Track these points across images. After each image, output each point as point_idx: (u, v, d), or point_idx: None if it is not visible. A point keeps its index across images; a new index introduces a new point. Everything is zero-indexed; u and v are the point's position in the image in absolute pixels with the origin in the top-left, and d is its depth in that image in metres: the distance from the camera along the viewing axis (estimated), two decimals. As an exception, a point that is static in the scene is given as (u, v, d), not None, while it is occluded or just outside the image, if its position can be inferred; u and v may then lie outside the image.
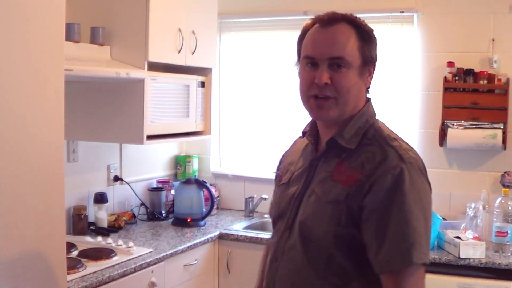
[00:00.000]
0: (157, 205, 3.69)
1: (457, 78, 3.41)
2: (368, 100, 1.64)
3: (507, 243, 3.00)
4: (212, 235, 3.34)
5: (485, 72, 3.35)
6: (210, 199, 3.62)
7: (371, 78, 1.62)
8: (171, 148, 4.07)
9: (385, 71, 3.59)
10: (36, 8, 1.95)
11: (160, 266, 2.88)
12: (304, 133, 1.73)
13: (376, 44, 1.61)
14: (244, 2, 3.94)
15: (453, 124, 3.40)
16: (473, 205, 3.23)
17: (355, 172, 1.50)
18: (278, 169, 1.82)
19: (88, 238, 3.02)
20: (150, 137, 3.10)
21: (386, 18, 3.60)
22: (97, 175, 3.41)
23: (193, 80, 3.46)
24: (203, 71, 3.56)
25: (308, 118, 1.70)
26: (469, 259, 2.91)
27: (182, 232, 3.37)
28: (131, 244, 2.91)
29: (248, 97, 4.04)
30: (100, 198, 3.29)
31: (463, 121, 3.39)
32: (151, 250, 2.92)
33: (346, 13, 1.59)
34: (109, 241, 2.97)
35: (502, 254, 2.98)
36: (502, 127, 3.32)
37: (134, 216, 3.56)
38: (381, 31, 3.58)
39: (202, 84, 3.54)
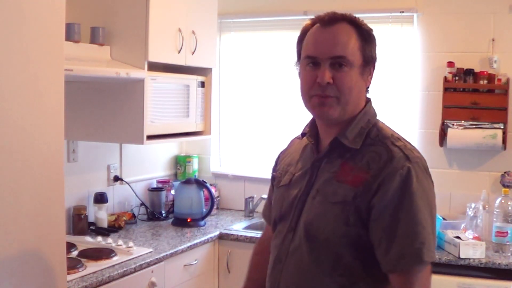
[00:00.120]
0: (157, 205, 3.69)
1: (457, 78, 3.41)
2: (369, 100, 1.65)
3: (507, 243, 3.00)
4: (212, 235, 3.34)
5: (485, 72, 3.35)
6: (210, 199, 3.62)
7: (371, 78, 1.62)
8: (171, 148, 4.07)
9: (385, 71, 3.59)
10: (36, 8, 1.95)
11: (160, 266, 2.88)
12: (303, 134, 1.72)
13: (375, 44, 1.62)
14: (244, 2, 3.94)
15: (453, 124, 3.40)
16: (473, 205, 3.23)
17: (361, 172, 1.50)
18: (274, 170, 1.81)
19: (88, 238, 3.02)
20: (150, 137, 3.10)
21: (386, 18, 3.60)
22: (97, 175, 3.41)
23: (193, 80, 3.46)
24: (203, 71, 3.56)
25: (308, 119, 1.70)
26: (469, 259, 2.91)
27: (182, 232, 3.37)
28: (131, 244, 2.91)
29: (248, 97, 4.04)
30: (100, 198, 3.29)
31: (463, 121, 3.39)
32: (151, 250, 2.92)
33: (346, 13, 1.59)
34: (109, 241, 2.98)
35: (502, 254, 2.98)
36: (502, 127, 3.32)
37: (134, 216, 3.56)
38: (381, 31, 3.59)
39: (202, 84, 3.54)
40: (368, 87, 1.64)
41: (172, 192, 3.80)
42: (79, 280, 2.43)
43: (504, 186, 3.29)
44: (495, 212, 3.11)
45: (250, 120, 4.05)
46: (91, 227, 3.24)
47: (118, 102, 3.06)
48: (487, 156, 3.42)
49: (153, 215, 3.64)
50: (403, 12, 3.54)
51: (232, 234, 3.39)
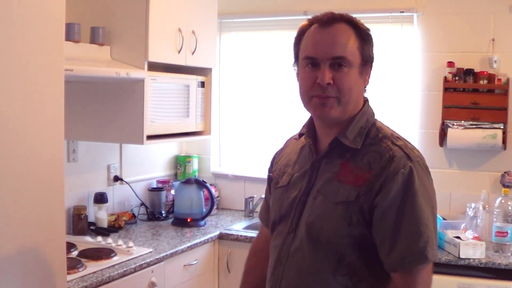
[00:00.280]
0: (157, 205, 3.69)
1: (457, 78, 3.41)
2: (367, 99, 1.65)
3: (507, 243, 3.00)
4: (212, 235, 3.34)
5: (485, 72, 3.35)
6: (210, 199, 3.62)
7: (369, 77, 1.62)
8: (171, 148, 4.07)
9: (385, 71, 3.60)
10: (36, 8, 1.95)
11: (160, 266, 2.88)
12: (301, 134, 1.72)
13: (373, 44, 1.62)
14: (244, 2, 3.94)
15: (453, 124, 3.40)
16: (473, 205, 3.23)
17: (363, 172, 1.51)
18: (271, 171, 1.81)
19: (88, 238, 3.02)
20: (150, 137, 3.10)
21: (386, 18, 3.60)
22: (97, 175, 3.41)
23: (193, 80, 3.46)
24: (203, 71, 3.56)
25: (306, 119, 1.70)
26: (469, 259, 2.90)
27: (182, 232, 3.37)
28: (131, 244, 2.91)
29: (248, 97, 4.04)
30: (100, 198, 3.29)
31: (463, 121, 3.39)
32: (151, 250, 2.92)
33: (343, 13, 1.59)
34: (109, 241, 2.98)
35: (502, 254, 2.98)
36: (502, 127, 3.32)
37: (134, 216, 3.56)
38: (381, 31, 3.61)
39: (202, 84, 3.54)
40: (366, 87, 1.63)
41: (172, 192, 3.80)
42: (79, 280, 2.43)
43: (504, 186, 3.29)
44: (495, 212, 3.11)
45: (250, 120, 4.05)
46: (91, 227, 3.24)
47: (118, 102, 3.05)
48: (487, 156, 3.42)
49: (153, 215, 3.64)
50: (403, 12, 3.55)
51: (232, 234, 3.39)
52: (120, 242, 2.95)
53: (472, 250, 2.91)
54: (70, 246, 2.77)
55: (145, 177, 3.78)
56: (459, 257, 2.91)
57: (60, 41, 2.06)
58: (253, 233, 3.38)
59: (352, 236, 1.50)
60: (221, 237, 3.40)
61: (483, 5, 3.40)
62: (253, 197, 3.85)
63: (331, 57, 1.52)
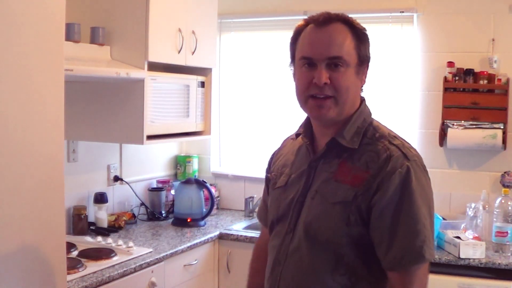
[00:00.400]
0: (157, 205, 3.69)
1: (457, 78, 3.41)
2: (363, 99, 1.64)
3: (507, 243, 3.00)
4: (212, 235, 3.34)
5: (485, 72, 3.35)
6: (210, 199, 3.62)
7: (366, 77, 1.61)
8: (171, 148, 4.07)
9: (385, 71, 3.60)
10: (36, 8, 1.95)
11: (160, 266, 2.88)
12: (298, 134, 1.72)
13: (369, 43, 1.60)
14: (244, 2, 3.94)
15: (453, 124, 3.40)
16: (473, 205, 3.23)
17: (360, 172, 1.51)
18: (268, 171, 1.81)
19: (88, 238, 3.02)
20: (150, 137, 3.10)
21: (386, 18, 3.60)
22: (97, 175, 3.41)
23: (193, 80, 3.46)
24: (203, 71, 3.56)
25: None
26: (469, 259, 2.91)
27: (182, 232, 3.37)
28: (131, 244, 2.91)
29: (248, 97, 4.04)
30: (100, 198, 3.29)
31: (463, 121, 3.39)
32: (151, 250, 2.92)
33: (339, 13, 1.58)
34: (109, 241, 2.98)
35: (502, 254, 2.98)
36: (502, 127, 3.32)
37: (134, 216, 3.56)
38: (381, 31, 3.60)
39: (202, 84, 3.54)
40: (363, 87, 1.63)
41: (172, 192, 3.80)
42: (79, 280, 2.43)
43: (504, 186, 3.29)
44: (495, 212, 3.11)
45: (250, 120, 4.05)
46: (91, 227, 3.24)
47: (118, 102, 3.05)
48: (487, 156, 3.42)
49: (153, 215, 3.64)
50: (403, 12, 3.55)
51: (232, 234, 3.39)
52: (120, 242, 2.95)
53: (472, 250, 2.91)
54: (70, 246, 2.77)
55: (145, 177, 3.78)
56: (459, 257, 2.91)
57: (60, 41, 2.06)
58: (253, 233, 3.38)
59: (350, 235, 1.50)
60: (221, 237, 3.40)
61: (483, 5, 3.40)
62: (253, 197, 3.85)
63: (328, 57, 1.52)
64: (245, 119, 4.07)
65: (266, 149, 4.04)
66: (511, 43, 3.36)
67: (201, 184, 3.64)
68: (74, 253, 2.75)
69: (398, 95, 3.62)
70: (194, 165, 4.06)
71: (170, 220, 3.61)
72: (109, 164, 3.49)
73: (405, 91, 3.60)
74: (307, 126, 1.67)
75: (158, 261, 2.86)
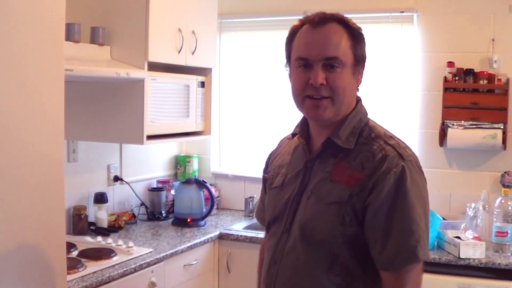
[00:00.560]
0: (157, 205, 3.69)
1: (457, 78, 3.41)
2: (359, 99, 1.64)
3: (507, 243, 3.00)
4: (212, 235, 3.34)
5: (485, 72, 3.35)
6: (210, 199, 3.62)
7: (362, 77, 1.61)
8: (171, 148, 4.07)
9: (385, 71, 3.60)
10: (36, 8, 1.95)
11: (160, 266, 2.88)
12: (294, 134, 1.72)
13: (365, 43, 1.60)
14: (244, 2, 3.94)
15: (453, 124, 3.40)
16: (473, 205, 3.23)
17: (356, 172, 1.51)
18: (265, 171, 1.81)
19: (88, 238, 3.02)
20: (150, 137, 3.10)
21: (386, 18, 3.60)
22: (97, 175, 3.41)
23: (193, 80, 3.46)
24: (203, 71, 3.56)
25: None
26: (469, 259, 2.90)
27: (182, 232, 3.37)
28: (131, 244, 2.91)
29: (248, 97, 4.04)
30: (100, 198, 3.29)
31: (463, 121, 3.39)
32: (151, 250, 2.92)
33: (335, 13, 1.58)
34: (109, 241, 2.98)
35: (502, 254, 2.98)
36: (502, 127, 3.32)
37: (134, 216, 3.56)
38: (381, 31, 3.60)
39: (202, 84, 3.54)
40: (359, 87, 1.62)
41: (172, 192, 3.80)
42: (79, 280, 2.43)
43: (504, 186, 3.29)
44: (495, 212, 3.11)
45: (250, 120, 4.05)
46: (91, 227, 3.24)
47: (118, 102, 3.05)
48: (487, 156, 3.42)
49: (153, 215, 3.64)
50: (403, 12, 3.54)
51: (232, 234, 3.39)
52: (120, 242, 2.95)
53: (472, 250, 2.91)
54: (70, 246, 2.77)
55: (145, 177, 3.78)
56: (459, 257, 2.91)
57: (60, 41, 2.06)
58: (253, 233, 3.38)
59: (345, 235, 1.50)
60: (221, 237, 3.40)
61: (483, 5, 3.40)
62: (253, 197, 3.85)
63: (324, 58, 1.52)
64: (245, 119, 4.07)
65: (266, 149, 4.02)
66: (511, 43, 3.36)
67: (201, 184, 3.64)
68: (74, 253, 2.75)
69: (398, 95, 3.62)
70: (194, 165, 4.06)
71: (170, 220, 3.61)
72: (109, 164, 3.49)
73: (405, 91, 3.60)
74: (303, 126, 1.68)
75: (158, 261, 2.86)
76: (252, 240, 3.31)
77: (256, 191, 3.86)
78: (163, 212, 3.70)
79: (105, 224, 3.28)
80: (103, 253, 2.73)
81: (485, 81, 3.36)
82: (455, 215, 3.38)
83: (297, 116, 1.69)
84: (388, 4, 3.59)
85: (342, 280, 1.51)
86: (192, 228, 3.45)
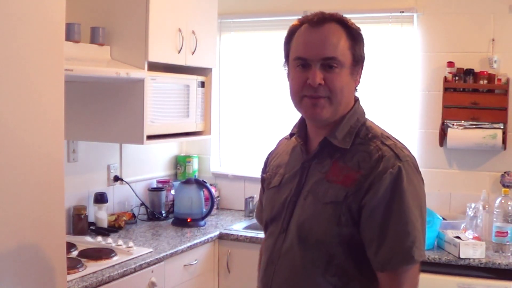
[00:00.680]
0: (157, 205, 3.69)
1: (457, 78, 3.41)
2: (357, 99, 1.64)
3: (507, 243, 3.00)
4: (212, 235, 3.34)
5: (485, 72, 3.35)
6: (210, 199, 3.62)
7: (360, 77, 1.61)
8: (171, 148, 4.07)
9: (385, 71, 3.60)
10: (36, 8, 1.95)
11: (160, 266, 2.88)
12: (292, 134, 1.72)
13: (364, 43, 1.59)
14: (244, 2, 3.94)
15: (453, 124, 3.40)
16: (473, 205, 3.23)
17: (352, 172, 1.51)
18: (264, 171, 1.81)
19: (88, 238, 3.02)
20: (150, 137, 3.10)
21: (386, 18, 3.59)
22: (97, 175, 3.41)
23: (193, 80, 3.46)
24: (203, 71, 3.56)
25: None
26: (469, 259, 2.90)
27: (182, 232, 3.37)
28: (131, 244, 2.91)
29: (248, 97, 4.04)
30: (100, 198, 3.29)
31: (463, 121, 3.39)
32: (151, 250, 2.92)
33: (334, 13, 1.57)
34: (109, 241, 2.98)
35: (502, 254, 2.98)
36: (502, 127, 3.32)
37: (134, 216, 3.56)
38: (381, 31, 3.60)
39: (202, 84, 3.54)
40: (357, 87, 1.62)
41: (172, 192, 3.80)
42: (79, 280, 2.43)
43: (504, 186, 3.29)
44: (495, 212, 3.11)
45: (250, 120, 4.05)
46: (91, 227, 3.24)
47: (118, 102, 3.05)
48: (487, 156, 3.42)
49: (153, 215, 3.64)
50: (403, 12, 3.54)
51: (232, 234, 3.39)
52: (120, 242, 2.95)
53: (472, 250, 2.91)
54: (70, 246, 2.77)
55: (145, 177, 3.78)
56: (459, 257, 2.91)
57: (60, 41, 2.06)
58: (253, 233, 3.38)
59: (341, 236, 1.50)
60: (221, 237, 3.40)
61: (483, 5, 3.40)
62: (253, 197, 3.85)
63: (322, 58, 1.51)
64: (245, 119, 4.07)
65: (266, 149, 4.04)
66: (511, 43, 3.36)
67: (201, 184, 3.64)
68: (74, 253, 2.75)
69: (398, 95, 3.62)
70: (194, 165, 4.06)
71: (170, 220, 3.61)
72: (109, 164, 3.49)
73: (405, 91, 3.60)
74: (301, 126, 1.67)
75: (158, 261, 2.86)
76: (252, 240, 3.31)
77: (256, 191, 3.84)
78: (163, 212, 3.70)
79: (105, 224, 3.28)
80: (103, 253, 2.73)
81: (485, 81, 3.36)
82: (455, 215, 3.38)
83: (297, 116, 1.70)
84: (388, 4, 3.59)
85: (338, 280, 1.51)
86: (192, 228, 3.45)
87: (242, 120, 4.08)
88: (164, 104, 3.22)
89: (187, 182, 3.66)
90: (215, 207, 3.73)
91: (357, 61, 1.57)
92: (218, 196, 3.99)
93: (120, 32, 3.04)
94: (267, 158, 1.84)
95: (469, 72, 3.38)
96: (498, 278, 2.86)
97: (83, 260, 2.63)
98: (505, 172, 3.35)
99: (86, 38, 2.94)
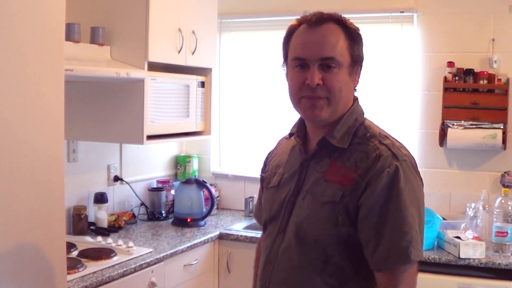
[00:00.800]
0: (157, 205, 3.69)
1: (457, 78, 3.41)
2: (356, 98, 1.63)
3: (507, 243, 3.00)
4: (212, 235, 3.34)
5: (485, 72, 3.35)
6: (210, 199, 3.62)
7: (359, 77, 1.60)
8: (171, 148, 4.07)
9: (385, 71, 3.60)
10: (36, 8, 1.95)
11: (160, 266, 2.88)
12: (291, 134, 1.72)
13: (363, 43, 1.59)
14: (244, 2, 3.94)
15: (453, 124, 3.40)
16: (473, 205, 3.23)
17: (349, 172, 1.50)
18: (263, 171, 1.81)
19: (88, 238, 3.02)
20: (150, 137, 3.10)
21: (386, 18, 3.59)
22: (97, 175, 3.41)
23: (193, 80, 3.46)
24: (203, 71, 3.56)
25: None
26: (469, 259, 2.90)
27: (182, 232, 3.37)
28: (131, 244, 2.91)
29: (248, 97, 4.04)
30: (100, 198, 3.29)
31: (463, 121, 3.39)
32: (151, 250, 2.92)
33: (332, 13, 1.57)
34: (109, 241, 2.98)
35: (502, 254, 2.98)
36: (502, 127, 3.32)
37: (134, 216, 3.56)
38: (381, 31, 3.60)
39: (202, 84, 3.54)
40: (356, 87, 1.62)
41: (172, 192, 3.80)
42: (79, 280, 2.43)
43: (504, 186, 3.29)
44: (495, 212, 3.11)
45: (250, 120, 4.05)
46: (91, 227, 3.24)
47: (118, 102, 3.05)
48: (487, 156, 3.42)
49: (153, 215, 3.64)
50: (403, 12, 3.54)
51: (232, 234, 3.39)
52: (120, 242, 2.95)
53: (472, 250, 2.91)
54: (70, 246, 2.77)
55: (145, 177, 3.78)
56: (459, 257, 2.91)
57: (60, 41, 2.06)
58: (253, 233, 3.38)
59: (338, 236, 1.50)
60: (221, 237, 3.40)
61: (483, 5, 3.40)
62: (253, 197, 3.85)
63: (320, 58, 1.51)
64: (245, 119, 4.07)
65: (266, 149, 4.04)
66: (511, 43, 3.36)
67: (201, 184, 3.64)
68: (74, 253, 2.75)
69: (398, 95, 3.62)
70: (194, 165, 4.06)
71: (170, 220, 3.61)
72: (109, 164, 3.49)
73: (405, 91, 3.60)
74: (300, 126, 1.68)
75: (158, 261, 2.86)
76: (252, 240, 3.31)
77: (256, 191, 3.82)
78: (163, 212, 3.70)
79: (105, 224, 3.28)
80: (103, 253, 2.73)
81: (485, 81, 3.36)
82: (455, 215, 3.38)
83: (297, 116, 1.70)
84: (388, 4, 3.59)
85: (336, 280, 1.51)
86: (192, 228, 3.45)
87: (242, 120, 4.08)
88: (164, 104, 3.22)
89: (187, 182, 3.66)
90: (215, 207, 3.73)
91: (356, 61, 1.56)
92: (218, 196, 3.99)
93: (120, 32, 3.04)
94: (267, 158, 1.84)
95: (469, 72, 3.38)
96: (498, 278, 2.86)
97: (83, 260, 2.63)
98: (505, 172, 3.35)
99: (86, 38, 2.94)
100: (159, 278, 2.85)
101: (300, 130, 1.67)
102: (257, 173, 4.13)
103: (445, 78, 3.43)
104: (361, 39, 1.58)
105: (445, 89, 3.44)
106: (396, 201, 1.45)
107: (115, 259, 2.71)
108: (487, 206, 3.24)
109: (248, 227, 3.59)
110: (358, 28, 1.58)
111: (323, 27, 1.54)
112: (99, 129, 3.11)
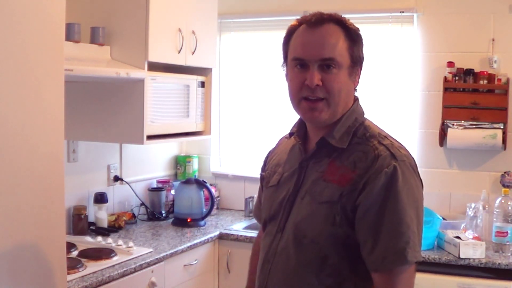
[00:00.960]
0: (157, 205, 3.69)
1: (457, 78, 3.41)
2: (356, 98, 1.63)
3: (507, 243, 3.00)
4: (212, 235, 3.34)
5: (485, 72, 3.35)
6: (210, 199, 3.62)
7: (359, 78, 1.60)
8: (171, 148, 4.07)
9: (385, 71, 3.60)
10: (36, 8, 1.95)
11: (160, 266, 2.88)
12: (291, 133, 1.72)
13: (363, 44, 1.59)
14: (244, 2, 3.94)
15: (453, 124, 3.41)
16: (473, 205, 3.23)
17: (347, 172, 1.50)
18: (263, 170, 1.82)
19: (88, 238, 3.02)
20: (150, 137, 3.10)
21: (386, 18, 3.60)
22: (97, 175, 3.41)
23: (193, 80, 3.46)
24: (203, 71, 3.56)
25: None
26: (469, 259, 2.90)
27: (182, 232, 3.37)
28: (131, 244, 2.91)
29: (248, 97, 4.04)
30: (100, 198, 3.29)
31: (463, 121, 3.39)
32: (151, 250, 2.92)
33: (333, 13, 1.57)
34: (109, 241, 2.98)
35: (502, 254, 2.98)
36: (502, 127, 3.32)
37: (134, 216, 3.56)
38: (381, 31, 3.60)
39: (202, 84, 3.54)
40: (356, 87, 1.61)
41: (172, 192, 3.80)
42: (79, 280, 2.43)
43: (504, 186, 3.29)
44: (495, 212, 3.11)
45: (250, 120, 4.05)
46: (91, 227, 3.24)
47: (118, 102, 3.06)
48: (487, 156, 3.42)
49: (153, 215, 3.64)
50: (403, 12, 3.54)
51: (232, 234, 3.40)
52: (120, 242, 2.95)
53: (472, 250, 2.91)
54: (70, 246, 2.77)
55: (145, 177, 3.78)
56: (459, 257, 2.91)
57: (60, 41, 2.06)
58: (253, 233, 3.38)
59: (335, 236, 1.49)
60: (221, 237, 3.40)
61: (483, 5, 3.40)
62: (253, 197, 3.85)
63: (320, 59, 1.51)
64: (245, 119, 4.07)
65: (266, 149, 4.04)
66: (511, 43, 3.36)
67: (201, 184, 3.64)
68: (74, 253, 2.75)
69: (398, 95, 3.62)
70: (194, 165, 4.06)
71: (170, 220, 3.61)
72: (109, 164, 3.49)
73: (405, 91, 3.60)
74: (300, 125, 1.68)
75: (158, 261, 2.86)
76: (252, 240, 3.30)
77: (256, 191, 3.83)
78: (163, 212, 3.70)
79: (105, 224, 3.28)
80: (103, 253, 2.73)
81: (485, 81, 3.36)
82: (455, 215, 3.38)
83: (297, 115, 1.70)
84: (388, 4, 3.59)
85: (333, 280, 1.51)
86: (192, 228, 3.45)
87: (242, 120, 4.08)
88: (164, 104, 3.22)
89: (187, 182, 3.66)
90: (215, 207, 3.73)
91: (356, 62, 1.56)
92: (218, 196, 3.99)
93: (120, 32, 3.04)
94: (267, 157, 1.84)
95: (469, 72, 3.38)
96: (498, 278, 2.86)
97: (83, 260, 2.63)
98: (505, 172, 3.35)
99: (86, 38, 2.94)
100: (159, 278, 2.85)
101: (300, 130, 1.67)
102: (257, 173, 4.13)
103: (445, 78, 3.44)
104: (361, 39, 1.58)
105: (445, 89, 3.44)
106: (394, 202, 1.45)
107: (115, 259, 2.71)
108: (487, 206, 3.24)
109: (248, 227, 3.59)
110: (358, 28, 1.58)
111: (323, 27, 1.53)
112: (99, 129, 3.11)
